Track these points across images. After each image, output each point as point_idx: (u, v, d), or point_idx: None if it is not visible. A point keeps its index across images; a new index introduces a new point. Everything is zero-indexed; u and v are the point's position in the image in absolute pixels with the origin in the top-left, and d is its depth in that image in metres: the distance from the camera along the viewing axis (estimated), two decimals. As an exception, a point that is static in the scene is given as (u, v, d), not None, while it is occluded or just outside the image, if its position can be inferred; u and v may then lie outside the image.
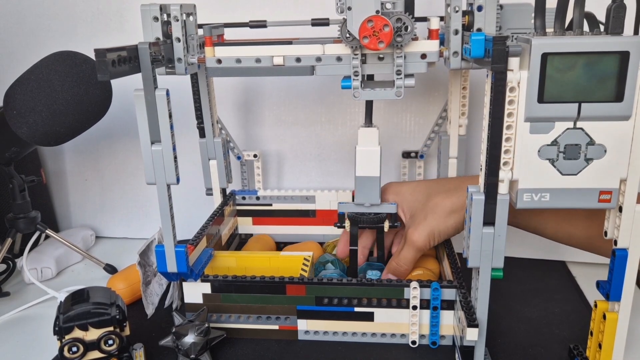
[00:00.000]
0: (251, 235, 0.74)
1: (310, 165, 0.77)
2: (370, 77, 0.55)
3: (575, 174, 0.39)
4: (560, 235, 0.55)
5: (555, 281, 0.66)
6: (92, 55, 0.41)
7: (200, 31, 0.54)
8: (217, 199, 0.69)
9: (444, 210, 0.54)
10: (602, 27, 0.38)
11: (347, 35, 0.47)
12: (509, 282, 0.63)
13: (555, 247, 0.58)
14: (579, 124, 0.38)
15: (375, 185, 0.58)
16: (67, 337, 0.46)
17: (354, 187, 0.61)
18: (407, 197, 0.59)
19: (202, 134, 0.66)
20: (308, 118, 0.75)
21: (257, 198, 0.72)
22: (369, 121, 0.58)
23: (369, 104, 0.57)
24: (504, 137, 0.39)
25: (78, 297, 0.48)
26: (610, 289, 0.42)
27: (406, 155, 0.71)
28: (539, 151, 0.39)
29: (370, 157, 0.57)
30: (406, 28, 0.46)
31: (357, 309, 0.52)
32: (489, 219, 0.41)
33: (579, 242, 0.54)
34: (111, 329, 0.47)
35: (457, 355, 0.49)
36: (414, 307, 0.50)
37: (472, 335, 0.43)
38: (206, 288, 0.54)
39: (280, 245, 0.72)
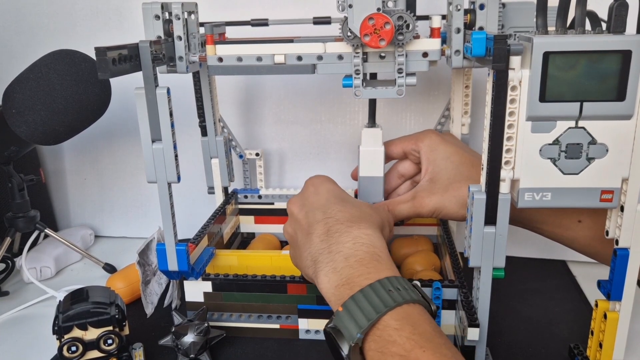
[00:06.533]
0: (253, 234, 0.74)
1: (310, 164, 0.77)
2: (374, 76, 0.55)
3: (577, 174, 0.39)
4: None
5: (556, 281, 0.66)
6: (92, 54, 0.41)
7: (202, 29, 0.54)
8: (219, 198, 0.69)
9: (462, 200, 0.52)
10: (604, 26, 0.38)
11: (349, 33, 0.47)
12: (510, 282, 0.62)
13: (556, 246, 0.58)
14: (581, 123, 0.38)
15: (379, 185, 0.58)
16: (66, 336, 0.46)
17: (355, 187, 0.61)
18: (437, 160, 0.55)
19: (204, 133, 0.66)
20: (308, 117, 0.75)
21: (259, 197, 0.72)
22: (372, 121, 0.57)
23: (372, 104, 0.57)
24: (506, 136, 0.39)
25: (77, 296, 0.48)
26: (612, 289, 0.42)
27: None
28: (540, 150, 0.39)
29: (374, 157, 0.57)
30: (407, 26, 0.46)
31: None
32: (490, 219, 0.41)
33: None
34: (110, 328, 0.47)
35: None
36: (415, 307, 0.50)
37: (473, 335, 0.43)
38: (207, 287, 0.54)
39: (283, 245, 0.72)
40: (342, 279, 0.40)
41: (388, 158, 0.58)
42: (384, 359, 0.34)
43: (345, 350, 0.35)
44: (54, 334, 0.46)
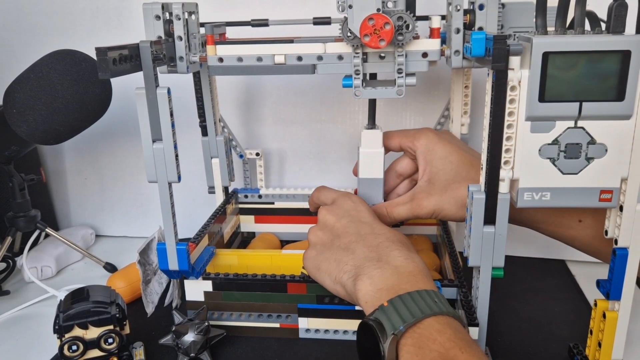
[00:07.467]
0: (253, 233, 0.74)
1: (310, 164, 0.77)
2: (373, 76, 0.55)
3: (576, 173, 0.39)
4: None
5: (555, 280, 0.66)
6: (92, 54, 0.41)
7: (202, 30, 0.54)
8: (219, 197, 0.69)
9: (461, 201, 0.52)
10: (603, 26, 0.38)
11: (348, 33, 0.47)
12: (509, 281, 0.63)
13: (555, 246, 0.59)
14: (580, 123, 0.38)
15: (378, 186, 0.58)
16: (67, 335, 0.46)
17: (355, 186, 0.61)
18: (435, 160, 0.54)
19: (205, 133, 0.66)
20: (309, 117, 0.75)
21: (260, 196, 0.72)
22: (371, 121, 0.57)
23: (372, 104, 0.57)
24: (505, 136, 0.39)
25: (78, 295, 0.49)
26: (611, 288, 0.42)
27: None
28: (539, 150, 0.39)
29: (374, 159, 0.57)
30: (407, 26, 0.46)
31: (358, 308, 0.52)
32: (489, 218, 0.41)
33: None
34: (111, 327, 0.47)
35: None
36: (415, 306, 0.50)
37: (473, 334, 0.43)
38: (207, 286, 0.54)
39: (283, 244, 0.72)
40: (387, 283, 0.41)
41: (385, 150, 0.58)
42: (420, 353, 0.35)
43: (384, 340, 0.36)
44: (54, 333, 0.46)
